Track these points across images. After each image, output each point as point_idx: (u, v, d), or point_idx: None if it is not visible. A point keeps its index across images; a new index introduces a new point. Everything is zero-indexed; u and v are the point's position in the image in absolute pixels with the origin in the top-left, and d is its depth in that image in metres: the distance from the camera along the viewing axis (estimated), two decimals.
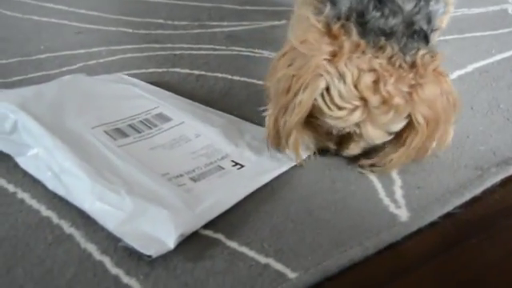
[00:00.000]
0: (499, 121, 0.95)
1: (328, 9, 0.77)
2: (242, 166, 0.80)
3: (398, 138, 0.78)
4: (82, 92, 0.94)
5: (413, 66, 0.73)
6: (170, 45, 1.26)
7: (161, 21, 1.41)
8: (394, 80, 0.72)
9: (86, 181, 0.72)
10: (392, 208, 0.74)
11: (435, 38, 0.80)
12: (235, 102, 1.00)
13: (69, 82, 0.97)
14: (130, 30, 1.35)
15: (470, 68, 1.15)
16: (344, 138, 0.81)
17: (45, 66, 1.15)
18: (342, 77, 0.72)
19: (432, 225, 0.72)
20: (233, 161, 0.81)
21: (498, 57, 1.20)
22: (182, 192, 0.73)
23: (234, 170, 0.79)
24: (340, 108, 0.73)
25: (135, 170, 0.75)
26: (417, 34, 0.75)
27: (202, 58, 1.19)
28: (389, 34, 0.74)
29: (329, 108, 0.74)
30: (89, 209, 0.70)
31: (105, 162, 0.76)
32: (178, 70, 1.13)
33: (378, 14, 0.74)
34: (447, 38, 1.29)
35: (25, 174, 0.79)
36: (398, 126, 0.76)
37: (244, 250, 0.67)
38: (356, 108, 0.73)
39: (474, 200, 0.77)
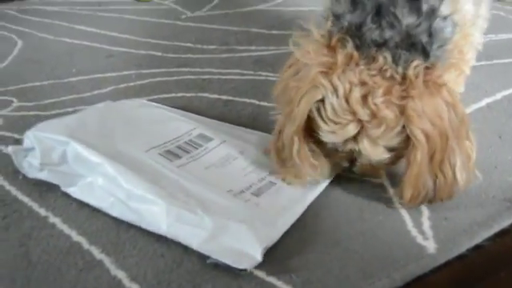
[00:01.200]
0: None
1: (330, 23, 0.78)
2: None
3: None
4: (123, 118, 0.95)
5: (405, 77, 0.72)
6: (198, 69, 1.28)
7: (190, 44, 1.43)
8: (382, 92, 0.71)
9: (160, 204, 0.74)
10: (420, 239, 0.74)
11: (442, 54, 0.78)
12: (263, 127, 1.01)
13: (106, 109, 0.98)
14: (160, 54, 1.37)
15: (498, 96, 1.14)
16: (354, 155, 0.80)
17: (77, 88, 1.18)
18: (335, 90, 0.73)
19: (460, 257, 0.72)
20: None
21: None
22: (252, 207, 0.77)
23: (285, 185, 0.82)
24: (334, 122, 0.74)
25: (202, 189, 0.78)
26: (414, 46, 0.74)
27: (230, 83, 1.20)
28: (382, 45, 0.74)
29: (324, 122, 0.75)
30: (167, 230, 0.72)
31: (172, 183, 0.79)
32: (206, 94, 1.15)
33: (374, 26, 0.74)
34: (476, 64, 1.29)
35: (56, 198, 0.80)
36: (393, 140, 0.74)
37: (272, 279, 0.67)
38: (349, 122, 0.73)
39: (503, 232, 0.76)
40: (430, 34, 0.75)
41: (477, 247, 0.74)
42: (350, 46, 0.74)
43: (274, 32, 1.52)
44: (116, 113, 0.97)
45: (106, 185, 0.78)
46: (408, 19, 0.74)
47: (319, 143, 0.80)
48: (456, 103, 0.75)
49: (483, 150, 0.94)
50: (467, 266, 0.71)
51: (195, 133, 0.93)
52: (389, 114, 0.71)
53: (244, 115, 1.06)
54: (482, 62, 1.31)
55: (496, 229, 0.76)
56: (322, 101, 0.74)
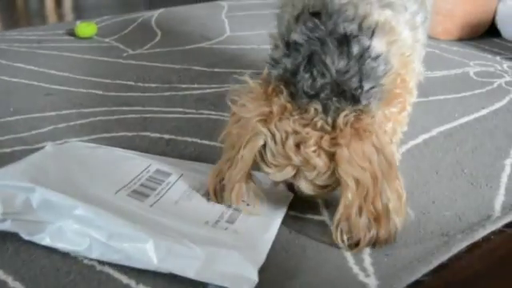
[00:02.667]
0: (463, 186, 0.98)
1: (267, 70, 0.83)
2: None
3: None
4: (78, 161, 0.93)
5: (334, 126, 0.76)
6: (140, 107, 1.27)
7: (131, 83, 1.42)
8: (313, 142, 0.76)
9: (146, 239, 0.73)
10: (361, 277, 0.75)
11: (374, 95, 0.80)
12: None
13: (57, 153, 0.95)
14: (101, 92, 1.35)
15: (434, 132, 1.18)
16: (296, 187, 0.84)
17: (14, 128, 1.15)
18: (273, 137, 0.77)
19: None
20: (243, 201, 0.86)
21: (461, 120, 1.24)
22: (233, 234, 0.80)
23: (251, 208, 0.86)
24: (274, 165, 0.79)
25: (182, 224, 0.79)
26: (344, 94, 0.77)
27: (172, 122, 1.20)
28: (313, 96, 0.77)
29: (265, 164, 0.80)
30: (158, 265, 0.73)
31: (150, 221, 0.79)
32: (148, 133, 1.14)
33: (306, 76, 0.78)
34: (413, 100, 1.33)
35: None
36: (327, 181, 0.79)
37: None
38: (286, 165, 0.78)
39: (442, 267, 0.78)
40: (361, 79, 0.78)
41: (417, 282, 0.75)
42: (284, 95, 0.78)
43: (216, 70, 1.53)
44: (69, 156, 0.95)
45: (79, 228, 0.76)
46: (338, 65, 0.77)
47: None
48: (384, 148, 0.78)
49: (420, 186, 0.97)
50: None
51: (152, 169, 0.93)
52: (319, 161, 0.76)
53: (186, 154, 1.06)
54: (419, 99, 1.34)
55: (435, 264, 0.78)
56: (264, 146, 0.79)
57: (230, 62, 1.60)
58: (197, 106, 1.28)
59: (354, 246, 0.79)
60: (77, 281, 0.73)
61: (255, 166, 0.82)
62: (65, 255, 0.77)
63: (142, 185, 0.88)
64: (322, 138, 0.76)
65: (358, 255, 0.79)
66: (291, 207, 0.88)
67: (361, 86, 0.78)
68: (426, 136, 1.16)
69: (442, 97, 1.38)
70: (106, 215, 0.76)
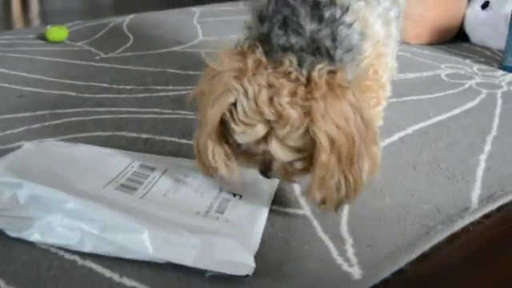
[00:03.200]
0: (440, 180, 0.99)
1: (244, 34, 0.83)
2: (241, 196, 0.88)
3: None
4: (61, 158, 0.91)
5: (309, 79, 0.74)
6: (115, 108, 1.26)
7: (105, 85, 1.41)
8: (287, 92, 0.73)
9: (141, 230, 0.73)
10: (345, 267, 0.75)
11: (350, 60, 0.81)
12: None
13: (38, 150, 0.93)
14: (74, 94, 1.34)
15: (409, 130, 1.19)
16: (268, 159, 0.81)
17: None
18: (245, 93, 0.75)
19: (385, 282, 0.73)
20: (229, 192, 0.88)
21: (436, 119, 1.26)
22: (224, 223, 0.80)
23: (238, 199, 0.87)
24: (244, 123, 0.75)
25: (173, 214, 0.79)
26: (319, 50, 0.77)
27: (148, 122, 1.19)
28: (288, 49, 0.76)
29: (235, 123, 0.76)
30: (154, 255, 0.72)
31: (142, 213, 0.78)
32: (124, 133, 1.13)
33: (281, 33, 0.77)
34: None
35: None
36: (300, 141, 0.75)
37: None
38: (257, 123, 0.75)
39: (424, 256, 0.79)
40: (334, 39, 0.78)
41: (400, 271, 0.75)
42: (259, 51, 0.76)
43: (191, 72, 1.52)
44: (50, 153, 0.93)
45: (70, 222, 0.75)
46: (311, 26, 0.78)
47: (235, 148, 0.82)
48: (362, 106, 0.76)
49: (398, 181, 0.98)
50: None
51: (136, 165, 0.92)
52: (293, 113, 0.73)
53: (165, 152, 1.05)
54: (393, 99, 1.36)
55: (417, 253, 0.78)
56: (235, 104, 0.76)
57: (203, 64, 1.60)
58: (173, 106, 1.28)
59: (322, 203, 0.79)
60: (58, 275, 0.71)
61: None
62: (45, 251, 0.76)
63: (128, 179, 0.87)
64: (296, 89, 0.73)
65: (340, 246, 0.79)
66: (273, 202, 0.88)
67: (335, 47, 0.78)
68: (401, 134, 1.17)
69: (415, 97, 1.39)
70: (98, 208, 0.75)
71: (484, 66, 1.70)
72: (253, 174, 0.87)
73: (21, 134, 1.11)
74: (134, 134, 1.13)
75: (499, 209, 0.91)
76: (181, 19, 2.19)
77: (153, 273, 0.72)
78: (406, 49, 1.85)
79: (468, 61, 1.76)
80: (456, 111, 1.31)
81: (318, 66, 0.74)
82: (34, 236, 0.76)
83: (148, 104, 1.29)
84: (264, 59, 0.76)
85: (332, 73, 0.75)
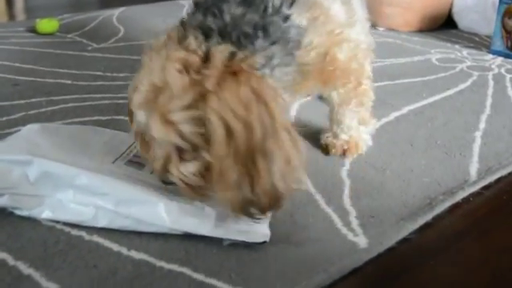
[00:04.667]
0: (439, 155, 1.00)
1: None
2: None
3: None
4: (67, 136, 0.90)
5: (208, 57, 0.69)
6: (112, 94, 1.25)
7: (99, 73, 1.41)
8: (177, 59, 0.68)
9: (156, 202, 0.73)
10: (351, 236, 0.76)
11: (275, 52, 0.77)
12: None
13: (43, 130, 0.90)
14: (69, 82, 1.34)
15: (405, 110, 1.20)
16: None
17: None
18: (150, 65, 0.71)
19: (390, 250, 0.74)
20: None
21: (430, 99, 1.27)
22: None
23: None
24: (136, 90, 0.71)
25: None
26: (229, 35, 0.73)
27: None
28: (199, 29, 0.73)
29: (132, 89, 0.73)
30: (171, 226, 0.73)
31: (155, 186, 0.77)
32: (122, 117, 1.13)
33: (199, 16, 0.75)
34: (380, 84, 1.36)
35: None
36: (188, 123, 0.68)
37: (212, 281, 0.67)
38: (147, 89, 0.70)
39: (427, 225, 0.80)
40: (257, 27, 0.75)
41: (404, 240, 0.76)
42: (176, 29, 0.74)
43: None
44: (54, 132, 0.91)
45: (82, 198, 0.75)
46: (234, 12, 0.75)
47: None
48: (268, 100, 0.68)
49: (397, 157, 0.99)
50: (398, 257, 0.74)
51: None
52: (176, 80, 0.67)
53: None
54: (385, 82, 1.38)
55: (420, 222, 0.80)
56: None
57: None
58: None
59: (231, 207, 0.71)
60: (65, 250, 0.72)
61: None
62: (51, 227, 0.76)
63: (135, 155, 0.87)
64: (189, 59, 0.68)
65: (344, 218, 0.80)
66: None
67: (256, 35, 0.75)
68: (397, 114, 1.19)
69: (408, 80, 1.41)
70: (111, 181, 0.75)
71: (473, 51, 1.72)
72: None
73: (18, 120, 1.10)
74: None
75: (497, 181, 0.93)
76: (170, 11, 2.18)
77: (161, 245, 0.73)
78: (396, 36, 1.86)
79: (457, 46, 1.77)
80: (449, 92, 1.33)
81: (222, 47, 0.70)
82: (46, 213, 0.76)
83: None
84: (173, 34, 0.73)
85: (237, 57, 0.70)
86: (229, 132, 0.66)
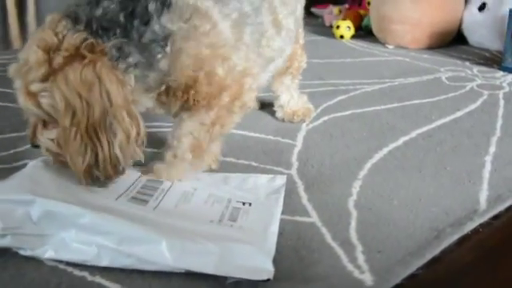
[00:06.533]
0: (447, 182, 0.99)
1: None
2: (250, 204, 0.88)
3: None
4: (68, 173, 0.88)
5: (64, 38, 0.80)
6: None
7: None
8: (36, 41, 0.80)
9: (159, 241, 0.73)
10: (356, 274, 0.75)
11: (126, 56, 0.84)
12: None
13: (44, 167, 0.90)
14: None
15: (413, 134, 1.19)
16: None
17: None
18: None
19: (397, 287, 0.73)
20: (238, 201, 0.88)
21: (439, 122, 1.26)
22: (239, 230, 0.81)
23: (247, 207, 0.87)
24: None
25: (188, 223, 0.80)
26: (89, 25, 0.82)
27: (153, 135, 1.18)
28: (71, 16, 0.83)
29: None
30: (173, 265, 0.72)
31: (157, 223, 0.78)
32: None
33: (82, 6, 0.84)
34: (389, 106, 1.35)
35: None
36: (36, 86, 0.81)
37: None
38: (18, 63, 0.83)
39: (434, 260, 0.78)
40: (116, 24, 0.83)
41: (411, 276, 0.75)
42: (58, 14, 0.84)
43: None
44: (59, 169, 0.90)
45: (84, 237, 0.75)
46: (108, 6, 0.84)
47: None
48: (106, 81, 0.80)
49: (405, 185, 0.98)
50: None
51: (143, 178, 0.93)
52: (31, 55, 0.80)
53: None
54: (394, 104, 1.37)
55: (428, 257, 0.78)
56: None
57: None
58: None
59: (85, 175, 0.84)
60: None
61: None
62: (53, 268, 0.75)
63: (138, 192, 0.87)
64: (47, 39, 0.80)
65: (351, 253, 0.79)
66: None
67: (113, 30, 0.83)
68: (405, 138, 1.17)
69: (417, 101, 1.40)
70: (113, 220, 0.75)
71: (484, 68, 1.70)
72: (261, 183, 0.91)
73: (25, 153, 1.11)
74: (147, 149, 1.12)
75: (508, 209, 0.91)
76: None
77: (163, 286, 0.72)
78: (405, 53, 1.86)
79: (467, 63, 1.76)
80: (459, 113, 1.31)
81: (76, 34, 0.80)
82: (49, 253, 0.75)
83: (161, 119, 1.29)
84: (55, 18, 0.83)
85: (87, 43, 0.80)
86: (69, 107, 0.78)
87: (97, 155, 0.81)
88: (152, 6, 0.85)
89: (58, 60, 0.79)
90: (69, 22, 0.82)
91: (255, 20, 0.97)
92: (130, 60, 0.84)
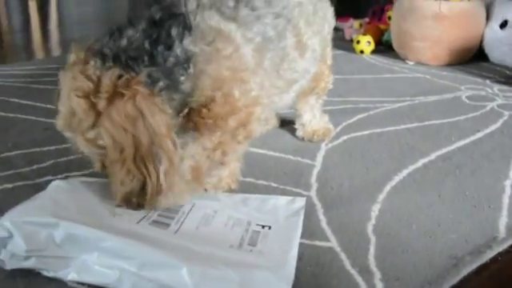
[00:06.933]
0: (467, 208, 0.99)
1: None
2: (270, 227, 0.89)
3: None
4: (91, 195, 0.92)
5: (100, 79, 0.82)
6: None
7: None
8: (76, 87, 0.82)
9: (180, 266, 0.74)
10: None
11: (159, 80, 0.86)
12: None
13: (69, 187, 0.92)
14: None
15: (433, 156, 1.19)
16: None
17: (15, 163, 1.14)
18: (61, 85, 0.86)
19: None
20: (258, 224, 0.89)
21: (459, 144, 1.26)
22: (259, 255, 0.81)
23: (267, 230, 0.88)
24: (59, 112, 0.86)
25: (209, 248, 0.81)
26: (119, 58, 0.84)
27: None
28: (99, 54, 0.84)
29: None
30: None
31: (178, 247, 0.79)
32: None
33: (105, 40, 0.86)
34: (409, 126, 1.35)
35: (1, 280, 0.77)
36: (92, 133, 0.84)
37: None
38: (63, 115, 0.85)
39: None
40: (143, 52, 0.85)
41: None
42: (83, 52, 0.86)
43: None
44: (81, 190, 0.93)
45: (106, 260, 0.76)
46: (128, 34, 0.86)
47: None
48: (147, 113, 0.82)
49: (425, 209, 0.98)
50: None
51: None
52: (78, 106, 0.82)
53: None
54: (414, 124, 1.37)
55: (446, 286, 0.78)
56: None
57: None
58: None
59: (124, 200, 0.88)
60: None
61: None
62: None
63: (159, 215, 0.88)
64: (85, 84, 0.81)
65: (369, 281, 0.79)
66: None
67: (142, 59, 0.85)
68: (425, 160, 1.17)
69: (437, 121, 1.39)
70: (135, 244, 0.76)
71: (505, 87, 1.70)
72: (281, 205, 0.92)
73: (48, 169, 1.12)
74: None
75: None
76: None
77: None
78: (425, 70, 1.85)
79: (488, 81, 1.75)
80: (479, 135, 1.31)
81: (111, 70, 0.82)
82: (71, 275, 0.77)
83: None
84: (83, 56, 0.85)
85: (124, 78, 0.82)
86: (117, 143, 0.82)
87: (143, 184, 0.85)
88: (174, 31, 0.87)
89: (102, 104, 0.81)
90: (97, 61, 0.84)
91: (278, 45, 0.98)
92: (160, 85, 0.86)
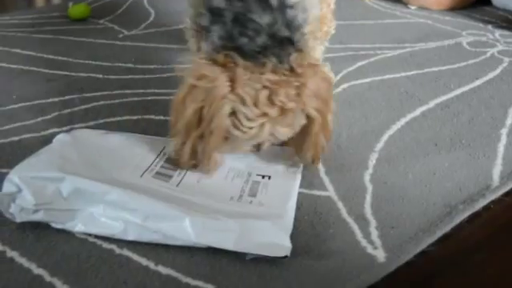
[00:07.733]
0: (462, 156, 1.01)
1: (204, 42, 0.87)
2: (270, 177, 0.92)
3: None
4: (96, 148, 0.94)
5: (292, 69, 0.83)
6: (141, 90, 1.28)
7: (130, 65, 1.43)
8: (282, 89, 0.82)
9: (182, 218, 0.77)
10: (370, 249, 0.78)
11: (302, 38, 0.87)
12: None
13: (74, 141, 0.95)
14: (101, 76, 1.37)
15: (431, 104, 1.21)
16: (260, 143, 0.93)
17: (20, 116, 1.16)
18: (242, 101, 0.82)
19: (408, 263, 0.77)
20: (258, 174, 0.92)
21: (457, 91, 1.27)
22: (258, 206, 0.85)
23: (267, 180, 0.91)
24: (250, 128, 0.84)
25: (210, 200, 0.84)
26: (282, 42, 0.84)
27: None
28: (263, 51, 0.83)
29: (241, 131, 0.85)
30: (196, 241, 0.77)
31: (180, 200, 0.82)
32: (152, 116, 1.16)
33: (245, 40, 0.83)
34: (408, 74, 1.36)
35: (11, 232, 0.81)
36: (300, 121, 0.87)
37: None
38: (263, 123, 0.84)
39: (445, 237, 0.82)
40: (288, 26, 0.85)
41: (422, 253, 0.79)
42: (238, 58, 0.83)
43: None
44: (85, 143, 0.95)
45: (112, 212, 0.79)
46: (265, 20, 0.83)
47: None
48: (329, 77, 0.90)
49: (421, 158, 1.00)
50: (415, 271, 0.76)
51: (167, 152, 0.96)
52: (293, 105, 0.83)
53: None
54: (414, 71, 1.38)
55: (439, 234, 0.81)
56: (233, 114, 0.83)
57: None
58: None
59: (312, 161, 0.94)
60: (97, 265, 0.76)
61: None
62: (83, 241, 0.80)
63: (162, 167, 0.91)
64: (287, 84, 0.82)
65: (365, 229, 0.82)
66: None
67: (292, 32, 0.85)
68: (423, 108, 1.19)
69: (436, 69, 1.40)
70: (138, 197, 0.79)
71: (506, 32, 1.69)
72: (278, 155, 0.95)
73: (52, 121, 1.14)
74: (162, 117, 1.15)
75: None
76: None
77: (187, 260, 0.76)
78: (427, 15, 1.84)
79: (490, 26, 1.74)
80: (477, 82, 1.32)
81: (293, 57, 0.83)
82: (79, 227, 0.80)
83: (173, 84, 1.31)
84: (249, 65, 0.82)
85: (302, 57, 0.85)
86: (319, 113, 0.87)
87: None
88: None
89: (306, 92, 0.84)
90: (274, 58, 0.83)
91: None
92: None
